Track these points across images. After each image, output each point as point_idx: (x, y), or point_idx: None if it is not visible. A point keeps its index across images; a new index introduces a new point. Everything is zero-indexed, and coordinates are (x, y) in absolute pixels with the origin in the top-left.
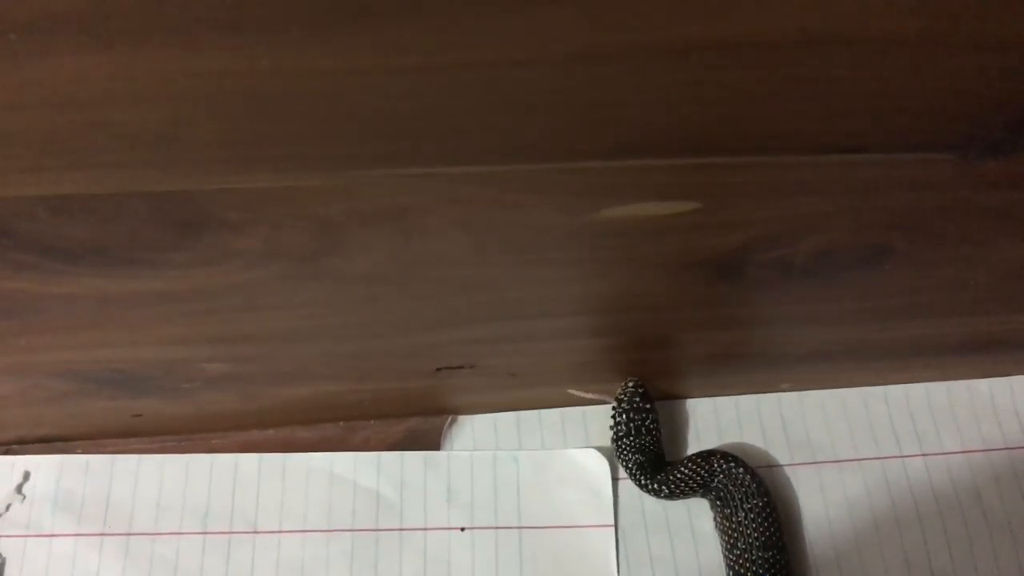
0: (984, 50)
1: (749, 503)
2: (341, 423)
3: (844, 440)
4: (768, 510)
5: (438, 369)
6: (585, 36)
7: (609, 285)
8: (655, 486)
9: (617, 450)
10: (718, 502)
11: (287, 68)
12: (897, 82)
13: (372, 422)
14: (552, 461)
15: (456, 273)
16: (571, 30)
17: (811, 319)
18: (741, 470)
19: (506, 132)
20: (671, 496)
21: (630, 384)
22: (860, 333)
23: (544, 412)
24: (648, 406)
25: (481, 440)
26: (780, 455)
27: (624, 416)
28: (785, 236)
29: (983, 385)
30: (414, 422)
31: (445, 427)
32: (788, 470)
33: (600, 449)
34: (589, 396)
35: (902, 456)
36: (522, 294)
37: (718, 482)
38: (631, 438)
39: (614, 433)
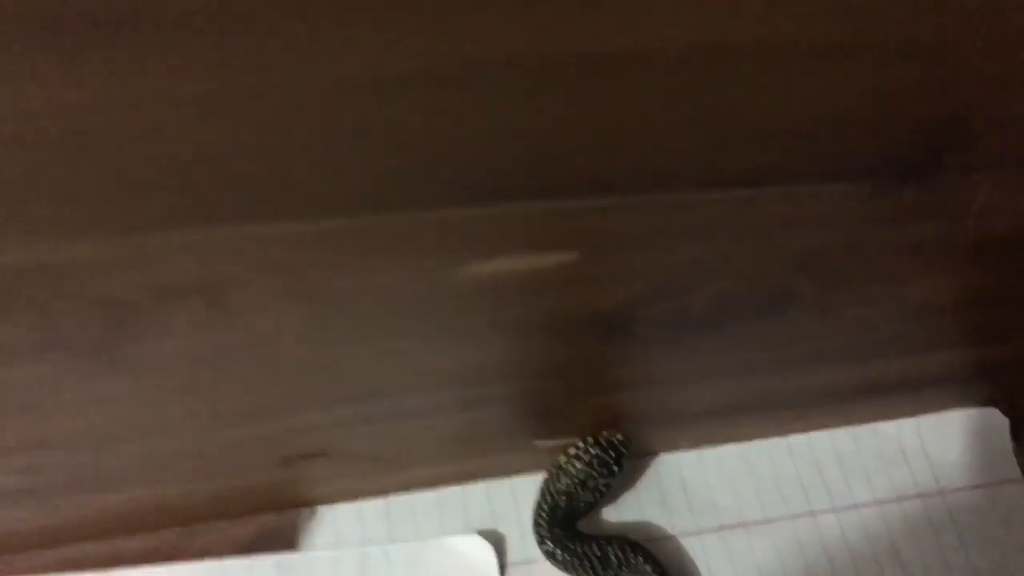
0: (899, 59)
1: None
2: (177, 528)
3: (750, 500)
4: None
5: (285, 459)
6: (419, 52)
7: (480, 353)
8: (544, 536)
9: (551, 479)
10: None
11: (28, 105)
12: (799, 99)
13: (215, 523)
14: (429, 553)
15: (291, 352)
16: (403, 44)
17: (709, 373)
18: (640, 558)
19: (332, 177)
20: (554, 559)
21: (618, 438)
22: (761, 384)
23: (416, 495)
24: (615, 468)
25: (345, 533)
26: (683, 522)
27: (587, 456)
28: (677, 286)
29: (889, 428)
30: (265, 519)
31: (302, 522)
32: (693, 540)
33: (483, 533)
34: (555, 443)
35: (812, 513)
36: (377, 370)
37: (614, 571)
38: (572, 482)
39: (562, 460)
